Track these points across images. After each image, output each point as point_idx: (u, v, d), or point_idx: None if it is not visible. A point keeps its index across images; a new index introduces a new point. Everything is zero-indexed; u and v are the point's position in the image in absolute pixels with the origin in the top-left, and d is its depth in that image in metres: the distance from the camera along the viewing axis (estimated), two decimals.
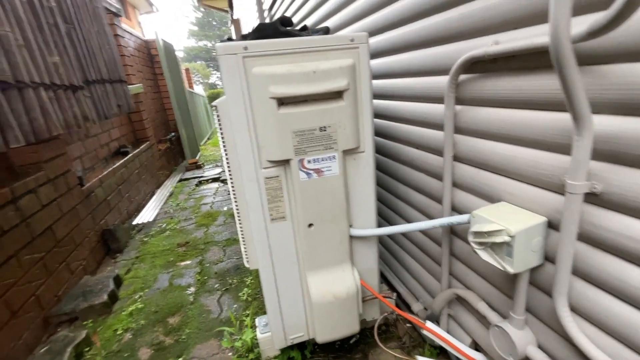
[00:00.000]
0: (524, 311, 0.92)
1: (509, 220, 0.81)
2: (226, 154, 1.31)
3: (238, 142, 1.07)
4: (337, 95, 1.07)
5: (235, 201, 1.39)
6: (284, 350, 1.47)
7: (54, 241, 2.08)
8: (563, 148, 0.73)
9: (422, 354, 1.44)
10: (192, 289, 2.13)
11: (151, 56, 5.54)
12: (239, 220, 1.41)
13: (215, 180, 4.72)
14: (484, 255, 0.86)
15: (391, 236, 1.74)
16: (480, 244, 0.87)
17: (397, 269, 1.76)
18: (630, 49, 0.58)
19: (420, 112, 1.25)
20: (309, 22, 2.27)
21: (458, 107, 1.03)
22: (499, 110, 0.89)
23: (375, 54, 1.50)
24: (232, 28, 7.01)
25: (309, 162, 1.11)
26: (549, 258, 0.84)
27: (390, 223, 1.71)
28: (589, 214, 0.71)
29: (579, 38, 0.59)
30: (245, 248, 1.47)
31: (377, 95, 1.56)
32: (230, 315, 1.82)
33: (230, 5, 7.50)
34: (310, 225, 1.19)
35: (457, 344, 1.17)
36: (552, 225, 0.81)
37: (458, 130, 1.06)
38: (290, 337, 1.36)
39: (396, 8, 1.26)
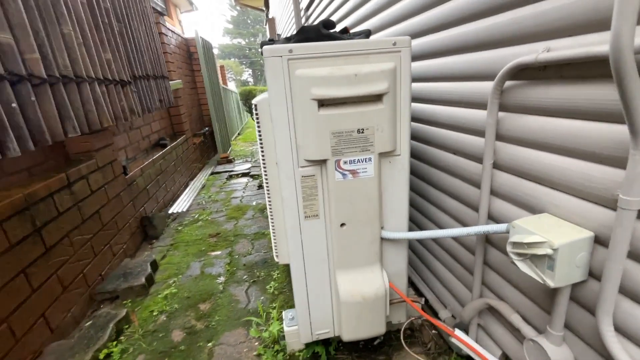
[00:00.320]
0: (562, 327, 0.89)
1: (551, 232, 0.79)
2: (262, 151, 1.37)
3: (278, 140, 1.11)
4: (376, 98, 1.09)
5: (269, 197, 1.44)
6: (309, 345, 1.51)
7: (100, 224, 2.25)
8: (616, 161, 0.70)
9: None
10: (222, 279, 2.22)
11: (190, 53, 5.79)
12: (271, 215, 1.47)
13: (245, 175, 4.86)
14: (523, 267, 0.84)
15: (420, 241, 1.73)
16: (519, 254, 0.85)
17: (425, 274, 1.74)
18: None
19: (459, 117, 1.23)
20: (347, 22, 2.28)
21: (501, 114, 1.01)
22: (546, 118, 0.86)
23: (415, 57, 1.49)
24: (267, 27, 7.16)
25: (345, 163, 1.13)
26: (593, 274, 0.81)
27: (421, 227, 1.69)
28: None
29: None
30: (275, 243, 1.52)
31: (414, 99, 1.55)
32: (259, 306, 1.88)
33: (266, 4, 7.65)
34: (342, 224, 1.21)
35: (487, 355, 1.14)
36: (599, 241, 0.78)
37: (499, 137, 1.03)
38: (316, 332, 1.39)
39: (440, 11, 1.25)
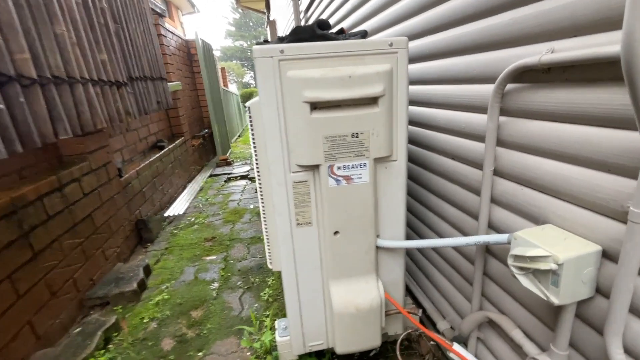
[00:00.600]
0: (567, 346, 0.83)
1: (556, 245, 0.74)
2: (256, 155, 1.32)
3: (269, 145, 1.06)
4: (371, 101, 1.04)
5: (262, 202, 1.39)
6: (302, 357, 1.45)
7: (93, 228, 2.21)
8: (627, 171, 0.65)
9: None
10: (216, 284, 2.17)
11: (190, 55, 5.77)
12: (265, 221, 1.42)
13: (243, 177, 4.82)
14: (525, 282, 0.79)
15: (419, 249, 1.67)
16: (521, 268, 0.80)
17: (423, 282, 1.68)
18: None
19: (459, 122, 1.18)
20: (346, 24, 2.24)
21: (502, 119, 0.96)
22: (550, 124, 0.81)
23: (412, 59, 1.44)
24: (268, 29, 7.15)
25: (338, 168, 1.08)
26: (600, 291, 0.75)
27: (419, 234, 1.64)
28: None
29: None
30: (269, 249, 1.47)
31: (412, 102, 1.51)
32: (251, 314, 1.83)
33: (267, 7, 7.66)
34: (336, 232, 1.16)
35: None
36: (608, 255, 0.72)
37: (501, 143, 0.98)
38: (309, 344, 1.34)
39: (438, 12, 1.21)
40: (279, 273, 2.16)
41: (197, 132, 5.74)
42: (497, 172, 1.02)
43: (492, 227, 1.07)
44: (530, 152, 0.89)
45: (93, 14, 2.27)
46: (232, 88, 13.18)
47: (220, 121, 6.23)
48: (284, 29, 5.44)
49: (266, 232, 1.44)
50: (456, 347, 1.14)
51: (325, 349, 1.37)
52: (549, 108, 0.80)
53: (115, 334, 1.76)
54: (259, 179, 1.34)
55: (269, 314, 1.83)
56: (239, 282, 2.18)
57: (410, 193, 1.66)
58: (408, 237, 1.77)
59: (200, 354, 1.63)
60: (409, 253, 1.78)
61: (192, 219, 3.30)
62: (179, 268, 2.40)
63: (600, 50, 0.63)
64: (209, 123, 5.90)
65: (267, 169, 1.23)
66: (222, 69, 10.12)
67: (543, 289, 0.76)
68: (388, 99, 1.05)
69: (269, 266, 1.53)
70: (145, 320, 1.86)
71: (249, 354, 1.60)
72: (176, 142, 4.31)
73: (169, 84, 4.04)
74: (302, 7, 3.71)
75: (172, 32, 4.88)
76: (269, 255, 1.49)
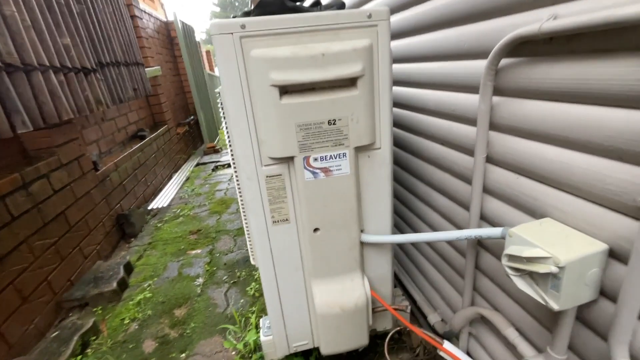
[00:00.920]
0: (565, 350, 0.76)
1: (557, 244, 0.65)
2: (230, 146, 1.20)
3: (235, 136, 0.94)
4: (349, 82, 0.92)
5: (241, 196, 1.28)
6: (288, 356, 1.39)
7: (67, 226, 2.09)
8: None
9: None
10: (200, 280, 2.09)
11: (171, 38, 5.48)
12: (244, 215, 1.32)
13: (230, 165, 4.68)
14: (521, 285, 0.70)
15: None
16: (516, 269, 0.71)
17: (414, 273, 1.61)
18: None
19: (449, 103, 1.06)
20: None
21: (496, 99, 0.85)
22: (551, 104, 0.70)
23: (396, 34, 1.31)
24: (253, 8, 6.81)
25: (315, 160, 0.97)
26: (605, 293, 0.67)
27: (408, 225, 1.56)
28: None
29: None
30: (251, 244, 1.38)
31: (397, 82, 1.38)
32: (234, 313, 1.75)
33: None
34: (316, 229, 1.06)
35: None
36: (615, 255, 0.64)
37: (494, 126, 0.88)
38: (293, 344, 1.27)
39: None
40: None
41: (183, 119, 5.53)
42: (489, 159, 0.92)
43: (485, 219, 0.98)
44: (527, 136, 0.78)
45: None
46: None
47: (206, 107, 6.00)
48: None
49: (246, 226, 1.34)
50: (447, 345, 1.07)
51: (312, 347, 1.30)
52: (550, 85, 0.69)
53: (94, 338, 1.68)
54: (236, 172, 1.23)
55: (255, 310, 1.76)
56: (225, 277, 2.10)
57: (397, 180, 1.56)
58: (396, 227, 1.69)
59: (183, 355, 1.56)
60: (398, 244, 1.70)
61: (177, 211, 3.19)
62: (162, 264, 2.31)
63: (616, 13, 0.52)
64: (195, 110, 5.68)
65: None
66: (208, 52, 9.73)
67: (541, 292, 0.67)
68: (368, 80, 0.93)
69: (252, 262, 1.44)
70: (125, 322, 1.78)
71: (233, 353, 1.53)
72: (159, 130, 4.13)
73: (146, 69, 3.82)
74: None
75: (148, 14, 4.59)
76: (251, 251, 1.40)
